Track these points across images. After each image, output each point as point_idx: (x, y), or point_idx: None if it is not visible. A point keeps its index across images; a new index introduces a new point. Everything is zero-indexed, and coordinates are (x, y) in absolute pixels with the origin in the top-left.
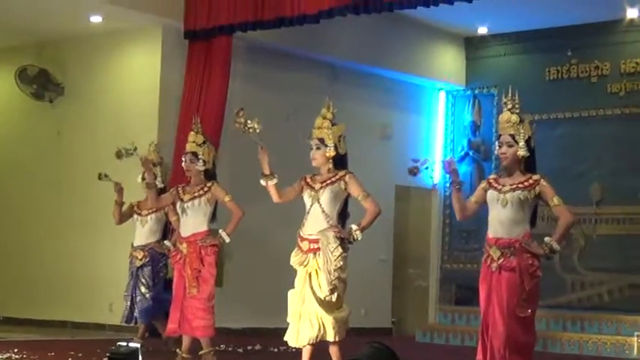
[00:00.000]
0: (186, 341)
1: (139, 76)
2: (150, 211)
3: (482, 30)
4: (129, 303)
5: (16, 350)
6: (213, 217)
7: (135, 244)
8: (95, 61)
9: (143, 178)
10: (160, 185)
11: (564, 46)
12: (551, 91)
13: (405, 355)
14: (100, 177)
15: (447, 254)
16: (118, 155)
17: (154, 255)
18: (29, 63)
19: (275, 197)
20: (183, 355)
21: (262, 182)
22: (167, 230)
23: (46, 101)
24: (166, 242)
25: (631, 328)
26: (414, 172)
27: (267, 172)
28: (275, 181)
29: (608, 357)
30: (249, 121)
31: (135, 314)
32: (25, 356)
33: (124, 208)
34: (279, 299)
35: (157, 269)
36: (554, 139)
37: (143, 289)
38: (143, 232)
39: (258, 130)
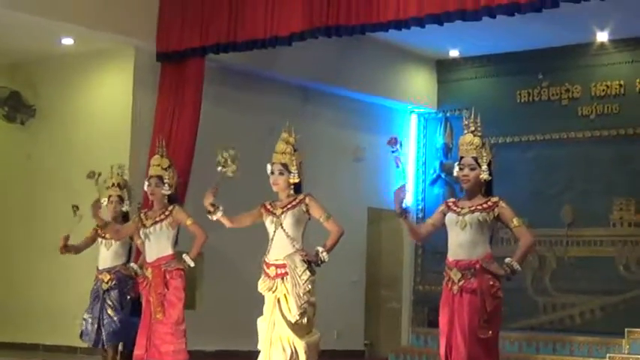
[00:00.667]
0: None
1: (111, 98)
2: None
3: (454, 53)
4: (95, 326)
5: None
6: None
7: (100, 267)
8: (67, 83)
9: (111, 202)
10: (126, 208)
11: (535, 69)
12: (522, 114)
13: None
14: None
15: (419, 276)
16: (90, 176)
17: (120, 278)
18: (1, 85)
19: (227, 224)
20: None
21: (209, 217)
22: (132, 252)
23: (18, 123)
24: (133, 265)
25: (603, 350)
26: (391, 142)
27: (210, 209)
28: (220, 214)
29: None
30: (231, 163)
31: (102, 337)
32: None
33: (87, 235)
34: (252, 321)
35: (123, 292)
36: (525, 161)
37: (110, 312)
38: (108, 255)
39: (230, 175)
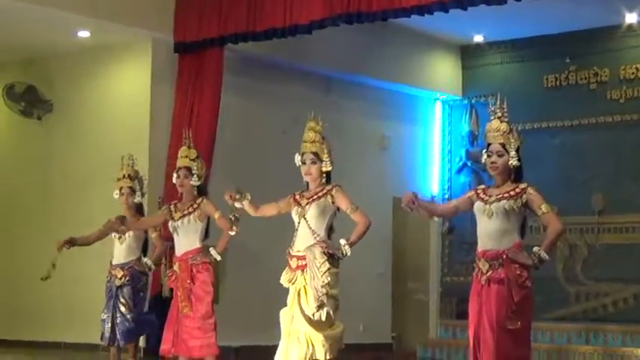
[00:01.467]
0: None
1: (128, 91)
2: None
3: (479, 38)
4: (109, 324)
5: None
6: (205, 233)
7: (114, 263)
8: (84, 76)
9: (121, 194)
10: (137, 200)
11: (562, 53)
12: (549, 99)
13: None
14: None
15: (447, 267)
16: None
17: (134, 274)
18: (17, 80)
19: (252, 212)
20: None
21: (235, 205)
22: (147, 247)
23: (35, 118)
24: (146, 260)
25: (637, 339)
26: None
27: (236, 196)
28: (246, 202)
29: None
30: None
31: (117, 336)
32: None
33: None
34: (276, 316)
35: (137, 288)
36: (553, 147)
37: (123, 310)
38: (122, 249)
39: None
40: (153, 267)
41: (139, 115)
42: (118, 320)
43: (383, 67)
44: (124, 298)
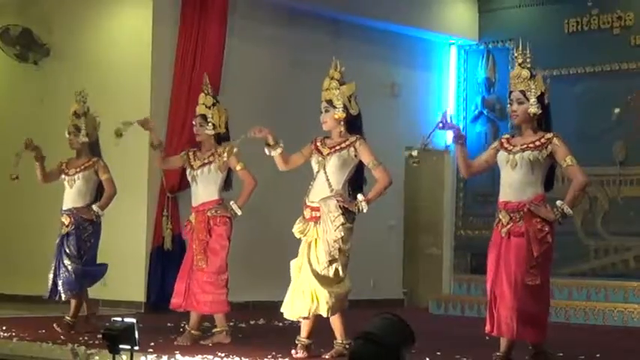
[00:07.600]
0: (193, 317)
1: (129, 33)
2: (78, 169)
3: None
4: (51, 274)
5: (4, 328)
6: (227, 185)
7: (63, 209)
8: (82, 18)
9: (69, 132)
10: (82, 139)
11: None
12: (570, 45)
13: (418, 327)
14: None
15: (461, 220)
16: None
17: (78, 221)
18: (11, 22)
19: (280, 165)
20: (192, 331)
21: (266, 151)
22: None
23: (31, 63)
24: (94, 207)
25: None
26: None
27: (271, 142)
28: (279, 150)
29: (635, 327)
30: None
31: (59, 289)
32: (14, 334)
33: (54, 166)
34: (282, 271)
35: (82, 238)
36: (574, 95)
37: (66, 261)
38: (71, 194)
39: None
40: (100, 213)
41: (140, 59)
42: (61, 271)
43: (394, 10)
44: (68, 248)
